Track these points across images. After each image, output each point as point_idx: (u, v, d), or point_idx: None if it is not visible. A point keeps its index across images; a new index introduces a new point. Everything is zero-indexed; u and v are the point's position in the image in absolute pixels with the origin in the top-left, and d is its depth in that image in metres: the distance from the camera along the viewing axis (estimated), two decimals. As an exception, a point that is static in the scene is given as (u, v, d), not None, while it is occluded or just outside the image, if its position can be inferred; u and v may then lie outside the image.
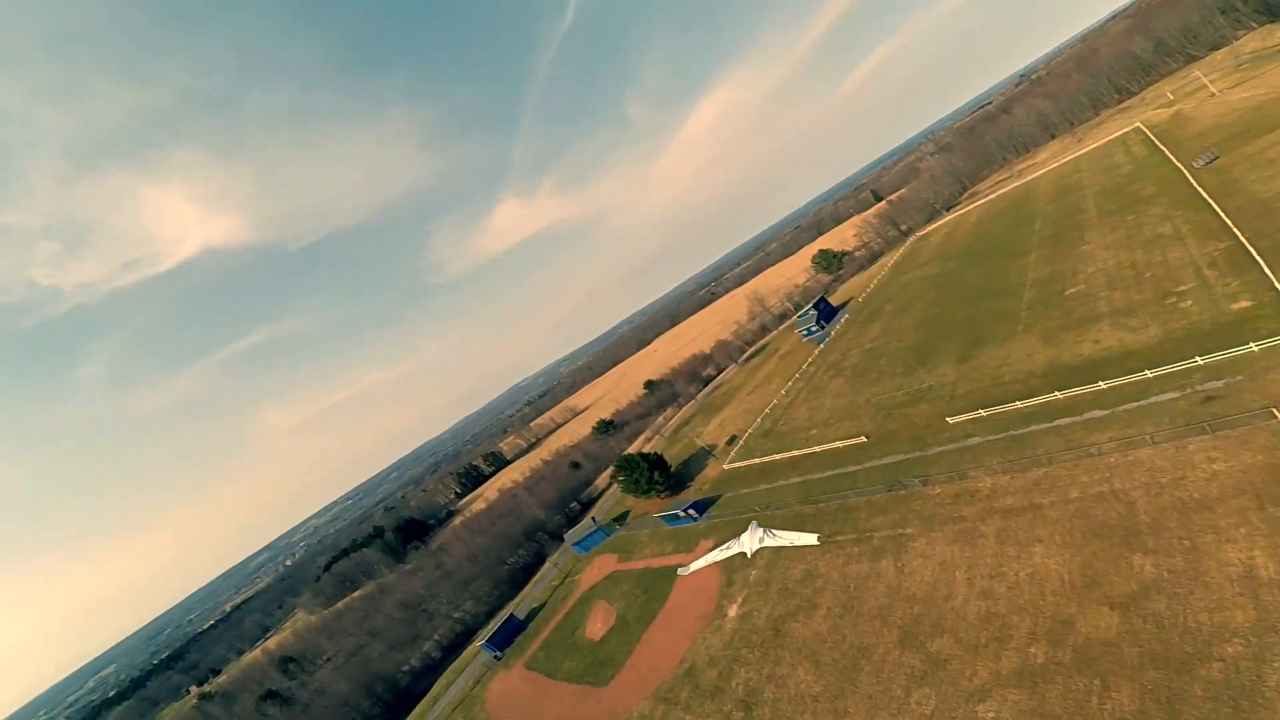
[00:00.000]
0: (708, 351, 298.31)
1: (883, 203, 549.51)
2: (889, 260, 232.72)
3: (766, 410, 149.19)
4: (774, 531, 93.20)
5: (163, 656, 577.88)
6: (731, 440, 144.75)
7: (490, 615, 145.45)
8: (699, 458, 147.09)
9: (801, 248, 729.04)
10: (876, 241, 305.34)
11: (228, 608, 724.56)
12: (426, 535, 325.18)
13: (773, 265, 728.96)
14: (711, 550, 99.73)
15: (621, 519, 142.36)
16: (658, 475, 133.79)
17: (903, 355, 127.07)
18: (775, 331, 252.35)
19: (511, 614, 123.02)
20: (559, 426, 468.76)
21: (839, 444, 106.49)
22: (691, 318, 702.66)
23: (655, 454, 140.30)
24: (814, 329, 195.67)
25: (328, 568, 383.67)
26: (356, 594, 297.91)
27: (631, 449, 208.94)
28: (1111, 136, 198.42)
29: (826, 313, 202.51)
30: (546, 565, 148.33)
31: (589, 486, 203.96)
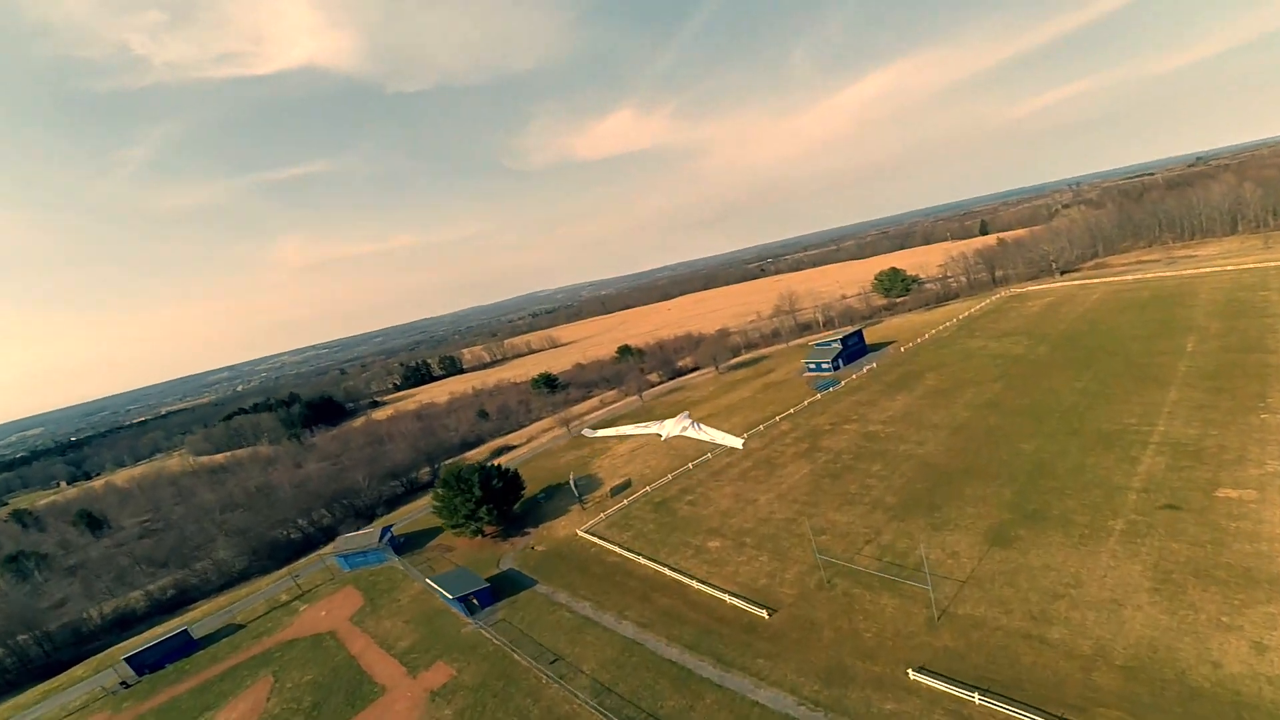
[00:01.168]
0: (705, 335, 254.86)
1: (990, 237, 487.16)
2: (964, 309, 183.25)
3: (691, 465, 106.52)
4: (701, 426, 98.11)
5: (69, 440, 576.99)
6: (621, 488, 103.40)
7: (217, 591, 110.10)
8: (569, 494, 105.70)
9: (875, 255, 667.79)
10: (959, 280, 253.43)
11: (163, 411, 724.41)
12: (323, 423, 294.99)
13: (836, 263, 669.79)
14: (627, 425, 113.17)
15: (420, 542, 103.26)
16: (486, 512, 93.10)
17: (910, 474, 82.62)
18: (785, 345, 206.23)
19: (185, 629, 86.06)
20: (529, 353, 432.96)
21: (726, 598, 64.35)
22: (724, 288, 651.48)
23: (506, 472, 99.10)
24: (825, 366, 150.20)
25: (230, 416, 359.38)
26: (219, 458, 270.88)
27: (527, 434, 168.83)
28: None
29: (853, 351, 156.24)
30: (285, 570, 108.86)
31: (468, 451, 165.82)
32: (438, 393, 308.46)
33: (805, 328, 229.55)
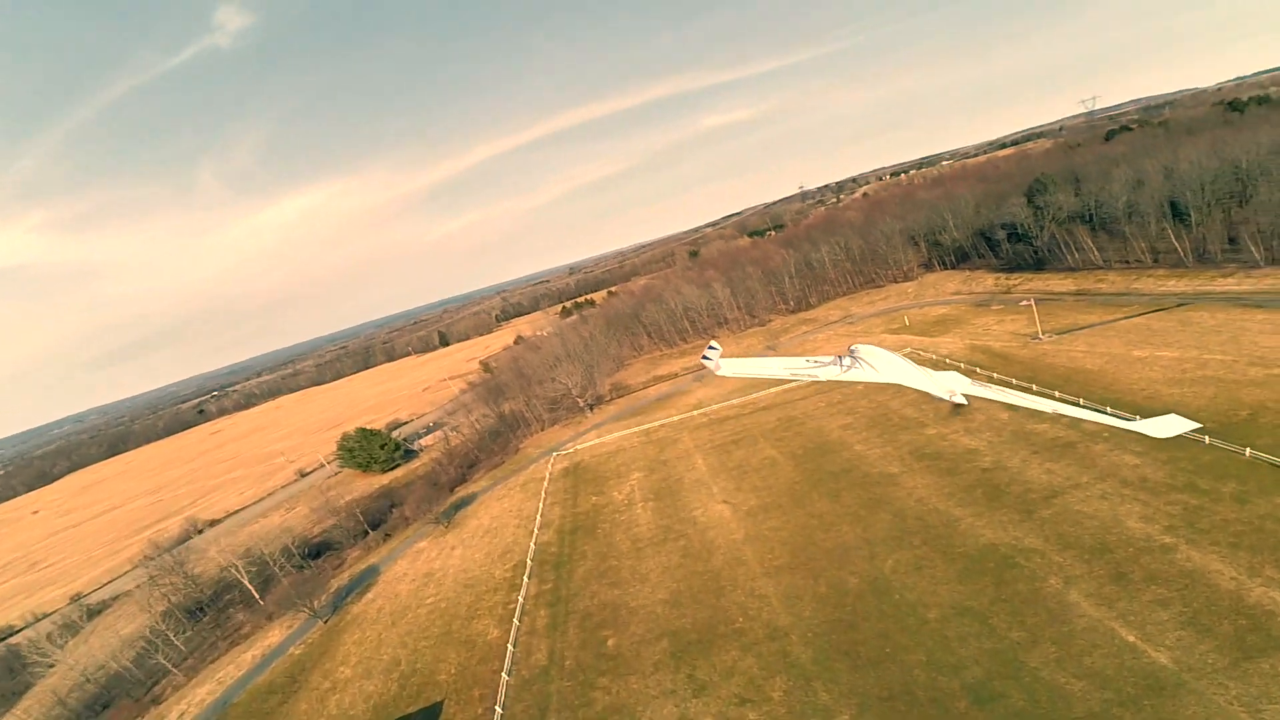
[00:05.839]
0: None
1: (452, 349, 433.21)
2: (511, 519, 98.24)
3: None
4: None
5: None
6: None
7: None
8: None
9: (339, 378, 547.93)
10: (465, 422, 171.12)
11: None
12: None
13: (295, 392, 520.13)
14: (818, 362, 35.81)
15: None
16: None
17: None
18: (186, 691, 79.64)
19: None
20: None
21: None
22: (134, 454, 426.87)
23: None
24: None
25: None
26: None
27: None
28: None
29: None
30: None
31: None
32: None
33: (224, 601, 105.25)
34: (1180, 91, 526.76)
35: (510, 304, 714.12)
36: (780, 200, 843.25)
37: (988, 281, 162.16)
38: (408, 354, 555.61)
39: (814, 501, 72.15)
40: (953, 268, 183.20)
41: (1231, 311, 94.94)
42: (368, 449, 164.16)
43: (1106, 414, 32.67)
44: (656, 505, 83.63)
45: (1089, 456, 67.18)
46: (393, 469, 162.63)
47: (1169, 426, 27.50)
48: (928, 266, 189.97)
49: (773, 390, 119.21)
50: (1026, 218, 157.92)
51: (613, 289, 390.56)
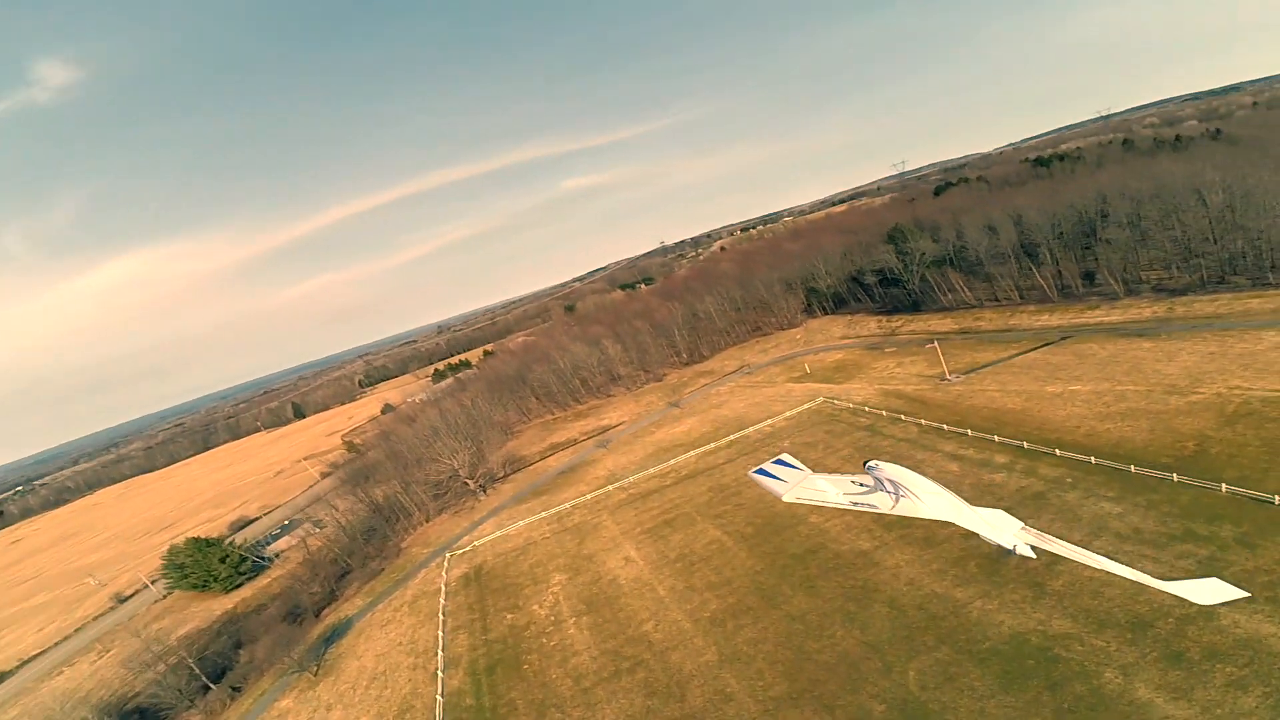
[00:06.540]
0: None
1: (307, 422, 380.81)
2: (419, 676, 75.70)
3: None
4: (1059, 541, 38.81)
5: None
6: None
7: None
8: None
9: (172, 463, 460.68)
10: (329, 517, 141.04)
11: None
12: None
13: (117, 483, 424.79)
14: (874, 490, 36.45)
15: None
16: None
17: None
18: None
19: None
20: None
21: None
22: None
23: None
24: None
25: None
26: None
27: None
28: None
29: None
30: None
31: None
32: None
33: None
34: (970, 155, 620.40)
35: (375, 368, 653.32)
36: (644, 255, 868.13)
37: (871, 325, 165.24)
38: (256, 430, 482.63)
39: (789, 598, 59.36)
40: (833, 313, 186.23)
41: (1118, 342, 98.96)
42: (204, 564, 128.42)
43: (1171, 584, 31.40)
44: (593, 620, 66.08)
45: (1067, 508, 61.44)
46: (238, 586, 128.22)
47: (1214, 593, 29.08)
48: (809, 312, 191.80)
49: (692, 454, 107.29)
50: (895, 263, 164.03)
51: (488, 348, 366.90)
